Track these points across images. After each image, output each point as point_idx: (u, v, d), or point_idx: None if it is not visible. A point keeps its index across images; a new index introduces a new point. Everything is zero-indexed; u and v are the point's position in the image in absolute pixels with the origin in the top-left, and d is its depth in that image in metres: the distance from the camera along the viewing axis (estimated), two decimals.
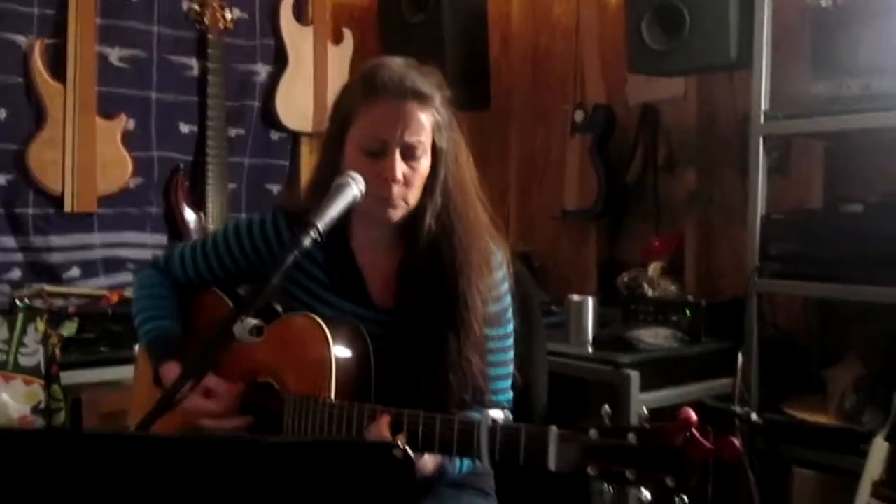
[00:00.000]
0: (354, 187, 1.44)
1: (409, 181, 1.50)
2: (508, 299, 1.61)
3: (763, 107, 2.60)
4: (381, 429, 1.32)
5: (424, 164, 1.52)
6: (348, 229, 1.60)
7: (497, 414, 1.28)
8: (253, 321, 1.27)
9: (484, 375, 1.53)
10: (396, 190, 1.49)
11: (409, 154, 1.50)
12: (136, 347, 2.70)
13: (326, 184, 1.49)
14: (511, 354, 1.62)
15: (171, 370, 1.55)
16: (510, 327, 1.62)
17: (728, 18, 2.63)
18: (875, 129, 2.44)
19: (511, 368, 1.62)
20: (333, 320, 1.51)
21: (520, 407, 1.69)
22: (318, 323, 1.47)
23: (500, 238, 1.61)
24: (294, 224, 1.60)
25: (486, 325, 1.54)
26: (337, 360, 1.44)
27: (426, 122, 1.51)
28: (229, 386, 1.49)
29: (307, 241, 1.33)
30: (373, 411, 1.36)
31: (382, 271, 1.60)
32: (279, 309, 1.52)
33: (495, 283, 1.58)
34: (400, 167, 1.48)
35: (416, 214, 1.54)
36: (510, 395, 1.63)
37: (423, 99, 1.51)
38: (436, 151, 1.53)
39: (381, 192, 1.48)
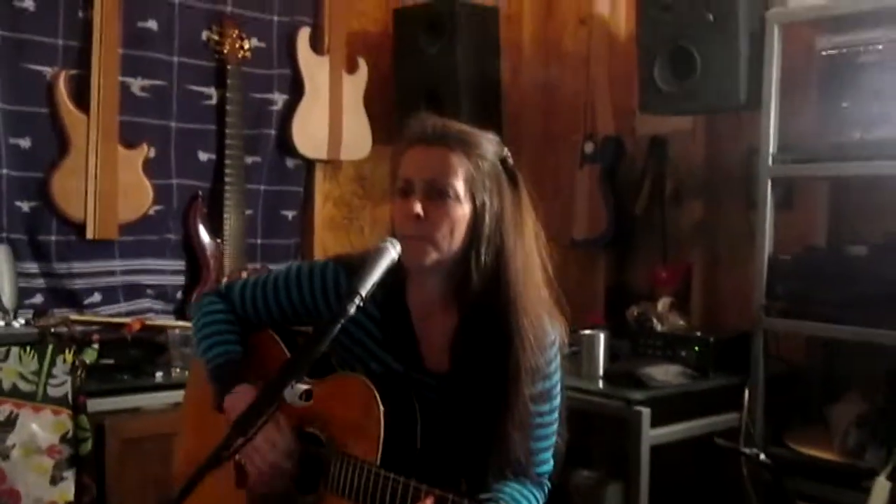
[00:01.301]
0: (392, 251, 1.50)
1: (434, 221, 1.52)
2: (557, 377, 1.62)
3: (771, 150, 2.68)
4: None
5: (455, 208, 1.52)
6: (405, 289, 1.63)
7: None
8: (303, 386, 1.34)
9: (526, 451, 1.56)
10: (417, 226, 1.52)
11: (435, 194, 1.52)
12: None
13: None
14: (555, 427, 1.63)
15: (237, 397, 1.61)
16: (556, 402, 1.63)
17: (738, 63, 2.71)
18: (882, 175, 2.52)
19: (553, 440, 1.64)
20: (385, 380, 1.55)
21: None
22: (373, 391, 1.52)
23: (559, 317, 1.61)
24: (351, 279, 1.65)
25: (532, 402, 1.56)
26: (386, 424, 1.49)
27: (456, 167, 1.53)
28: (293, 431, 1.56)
29: (352, 310, 1.40)
30: (418, 490, 1.41)
31: (437, 335, 1.63)
32: (331, 356, 1.58)
33: (546, 361, 1.59)
34: (419, 203, 1.52)
35: (465, 274, 1.56)
36: (551, 464, 1.65)
37: (453, 145, 1.54)
38: (475, 205, 1.54)
39: (405, 229, 1.53)
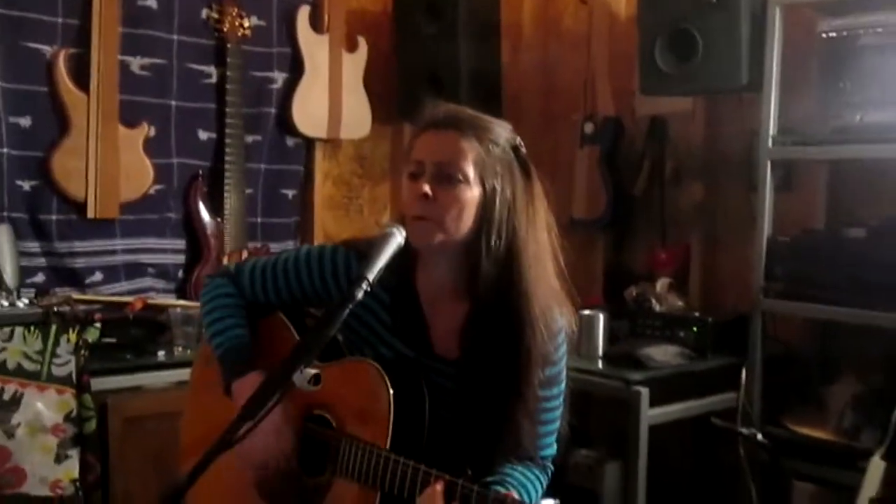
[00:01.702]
0: (398, 236, 1.52)
1: (444, 203, 1.53)
2: (563, 363, 1.65)
3: (771, 132, 2.70)
4: (435, 496, 1.40)
5: (464, 191, 1.54)
6: (415, 274, 1.65)
7: (548, 502, 1.37)
8: (311, 371, 1.36)
9: (533, 436, 1.59)
10: (426, 206, 1.53)
11: (445, 178, 1.54)
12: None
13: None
14: (559, 412, 1.66)
15: (246, 384, 1.62)
16: (562, 387, 1.65)
17: (739, 45, 2.72)
18: (881, 159, 2.54)
19: (557, 425, 1.66)
20: (394, 365, 1.57)
21: None
22: (383, 376, 1.54)
23: (567, 306, 1.63)
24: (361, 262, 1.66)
25: (540, 388, 1.58)
26: (395, 409, 1.52)
27: (467, 150, 1.54)
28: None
29: (359, 295, 1.41)
30: (428, 475, 1.44)
31: (446, 322, 1.64)
32: (340, 339, 1.60)
33: (555, 348, 1.61)
34: (429, 184, 1.53)
35: (476, 260, 1.56)
36: (554, 448, 1.68)
37: (464, 129, 1.55)
38: (485, 189, 1.55)
39: (413, 210, 1.55)
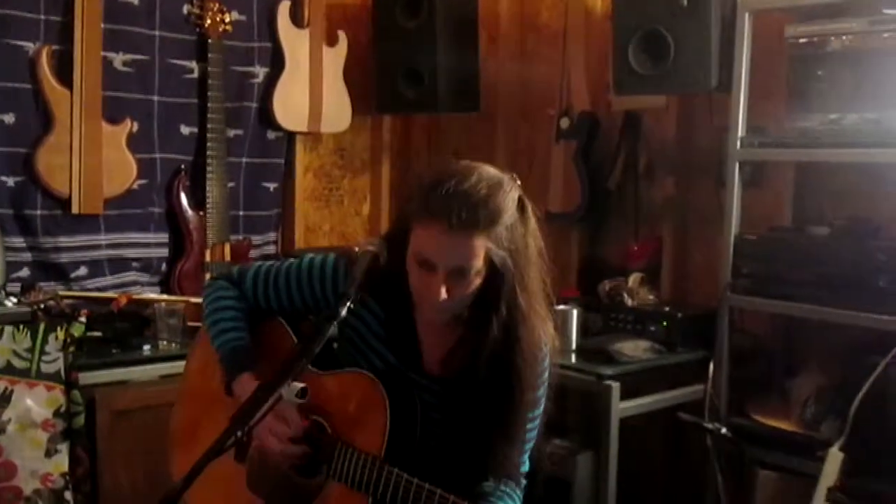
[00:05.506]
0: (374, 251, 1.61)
1: (456, 295, 1.57)
2: (545, 388, 1.70)
3: (740, 133, 2.78)
4: None
5: (474, 280, 1.56)
6: (411, 299, 1.67)
7: None
8: (298, 385, 1.44)
9: (511, 455, 1.66)
10: (442, 303, 1.57)
11: (458, 275, 1.55)
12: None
13: (391, 258, 1.64)
14: (535, 433, 1.73)
15: (245, 382, 1.69)
16: (540, 409, 1.71)
17: (710, 48, 2.79)
18: (845, 163, 2.63)
19: (533, 444, 1.74)
20: (386, 377, 1.65)
21: None
22: (379, 386, 1.62)
23: (550, 332, 1.68)
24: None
25: (524, 411, 1.65)
26: (391, 419, 1.60)
27: (479, 249, 1.53)
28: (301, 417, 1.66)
29: (343, 312, 1.49)
30: (445, 499, 1.51)
31: (439, 342, 1.71)
32: (334, 346, 1.69)
33: (538, 373, 1.67)
34: (444, 288, 1.55)
35: (482, 315, 1.61)
36: (528, 465, 1.76)
37: (478, 227, 1.52)
38: (495, 268, 1.56)
39: (426, 303, 1.60)
